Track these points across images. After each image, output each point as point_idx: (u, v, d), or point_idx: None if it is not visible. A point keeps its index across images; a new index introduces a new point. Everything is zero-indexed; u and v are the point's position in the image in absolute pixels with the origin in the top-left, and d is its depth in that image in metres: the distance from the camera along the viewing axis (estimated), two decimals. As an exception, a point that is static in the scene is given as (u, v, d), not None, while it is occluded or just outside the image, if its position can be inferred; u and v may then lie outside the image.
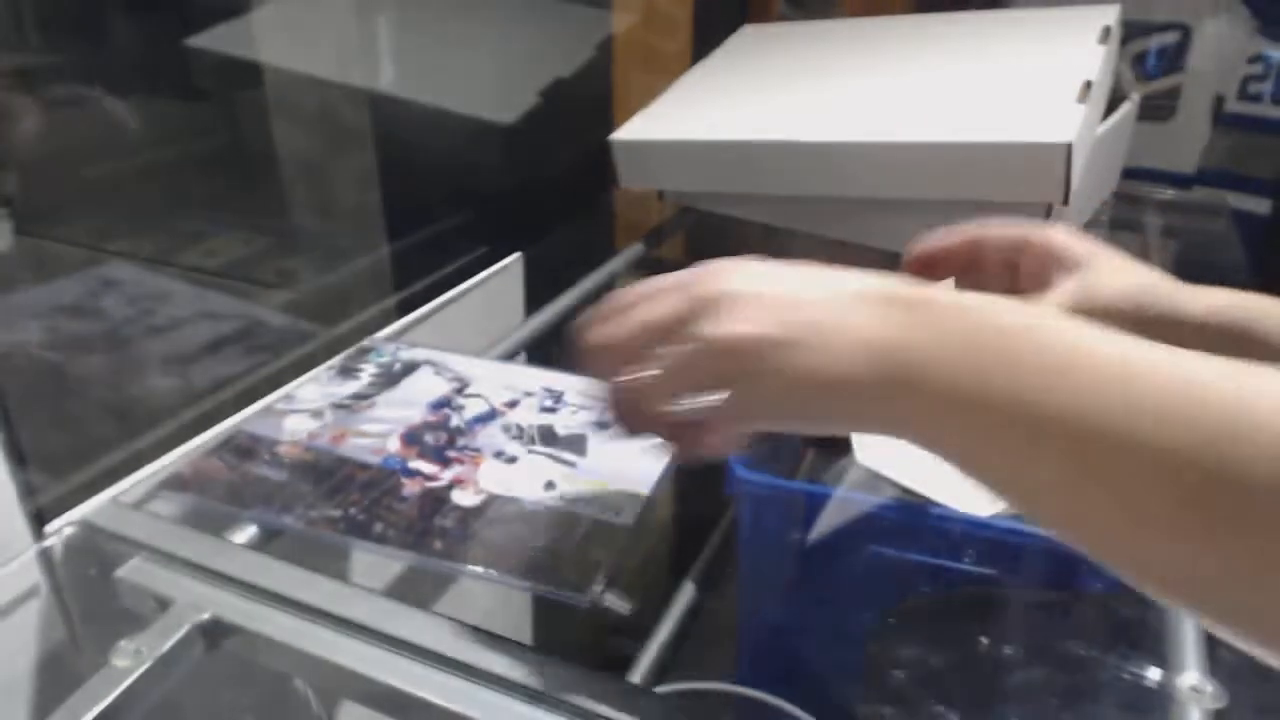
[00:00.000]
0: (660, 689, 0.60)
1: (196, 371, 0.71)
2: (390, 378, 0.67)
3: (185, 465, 0.56)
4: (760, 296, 0.33)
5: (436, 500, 0.54)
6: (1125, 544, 0.29)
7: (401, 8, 0.83)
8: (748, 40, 1.12)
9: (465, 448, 0.59)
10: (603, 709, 0.40)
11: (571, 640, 1.04)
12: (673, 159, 0.95)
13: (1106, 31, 0.88)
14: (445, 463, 0.57)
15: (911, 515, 0.82)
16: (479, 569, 0.49)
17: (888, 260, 0.94)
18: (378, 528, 0.51)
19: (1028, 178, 0.77)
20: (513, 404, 0.63)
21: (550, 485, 0.54)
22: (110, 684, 0.41)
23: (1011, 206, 0.82)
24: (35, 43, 0.63)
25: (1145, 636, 0.70)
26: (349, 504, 0.53)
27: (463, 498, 0.54)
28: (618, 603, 0.47)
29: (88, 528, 0.52)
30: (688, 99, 1.00)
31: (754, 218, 0.98)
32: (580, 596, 0.47)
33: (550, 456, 0.57)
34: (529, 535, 0.51)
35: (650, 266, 1.02)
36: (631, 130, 0.96)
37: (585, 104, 1.11)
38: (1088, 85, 0.80)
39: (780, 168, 0.88)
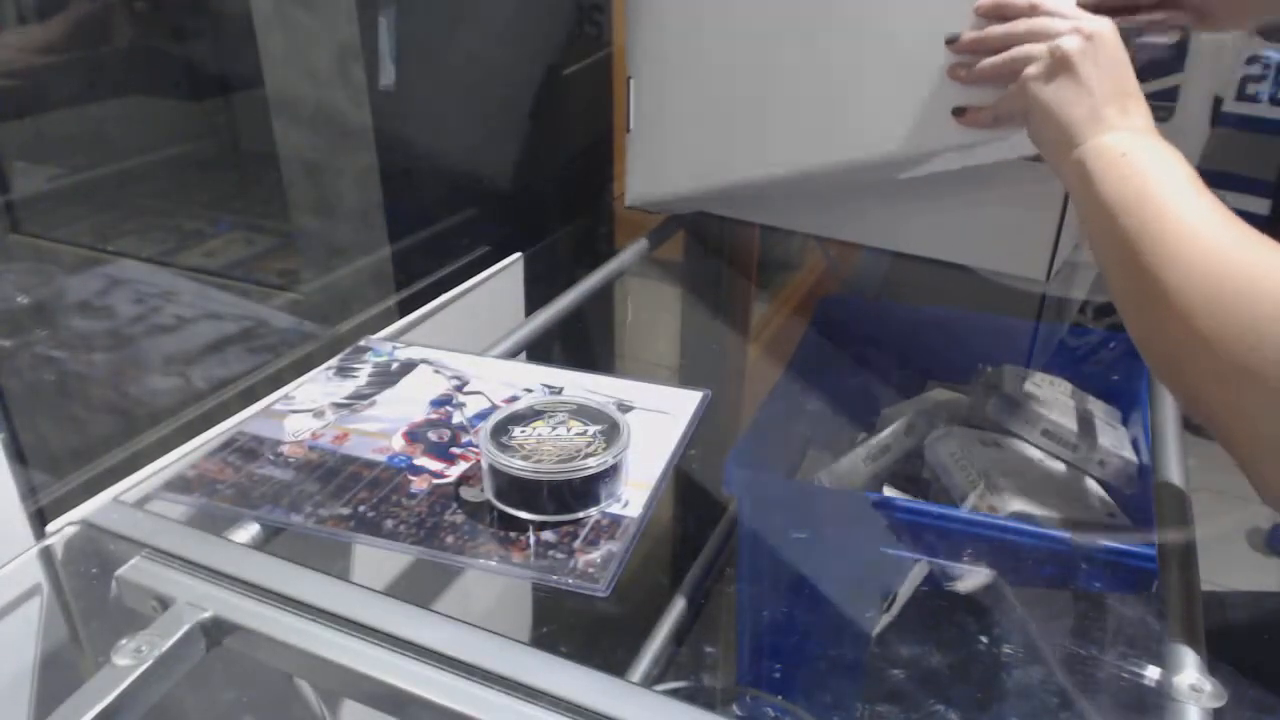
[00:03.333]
0: (660, 688, 0.60)
1: (197, 371, 0.71)
2: (388, 377, 0.67)
3: (188, 467, 0.56)
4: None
5: (445, 496, 0.54)
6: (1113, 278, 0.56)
7: (402, 7, 0.83)
8: None
9: (470, 444, 0.59)
10: (603, 709, 0.40)
11: (571, 639, 1.05)
12: (693, 201, 0.95)
13: None
14: (451, 459, 0.57)
15: (911, 515, 0.82)
16: (493, 562, 0.49)
17: (886, 259, 0.94)
18: (389, 524, 0.51)
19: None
20: (513, 400, 0.63)
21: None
22: (111, 683, 0.41)
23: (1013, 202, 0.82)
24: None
25: (1145, 636, 0.70)
26: (357, 502, 0.53)
27: (471, 493, 0.54)
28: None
29: (89, 527, 0.52)
30: (674, 119, 0.93)
31: (754, 219, 0.98)
32: (595, 587, 0.47)
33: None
34: (540, 528, 0.51)
35: (650, 266, 1.02)
36: (641, 190, 0.96)
37: (585, 104, 1.11)
38: None
39: (802, 184, 0.87)
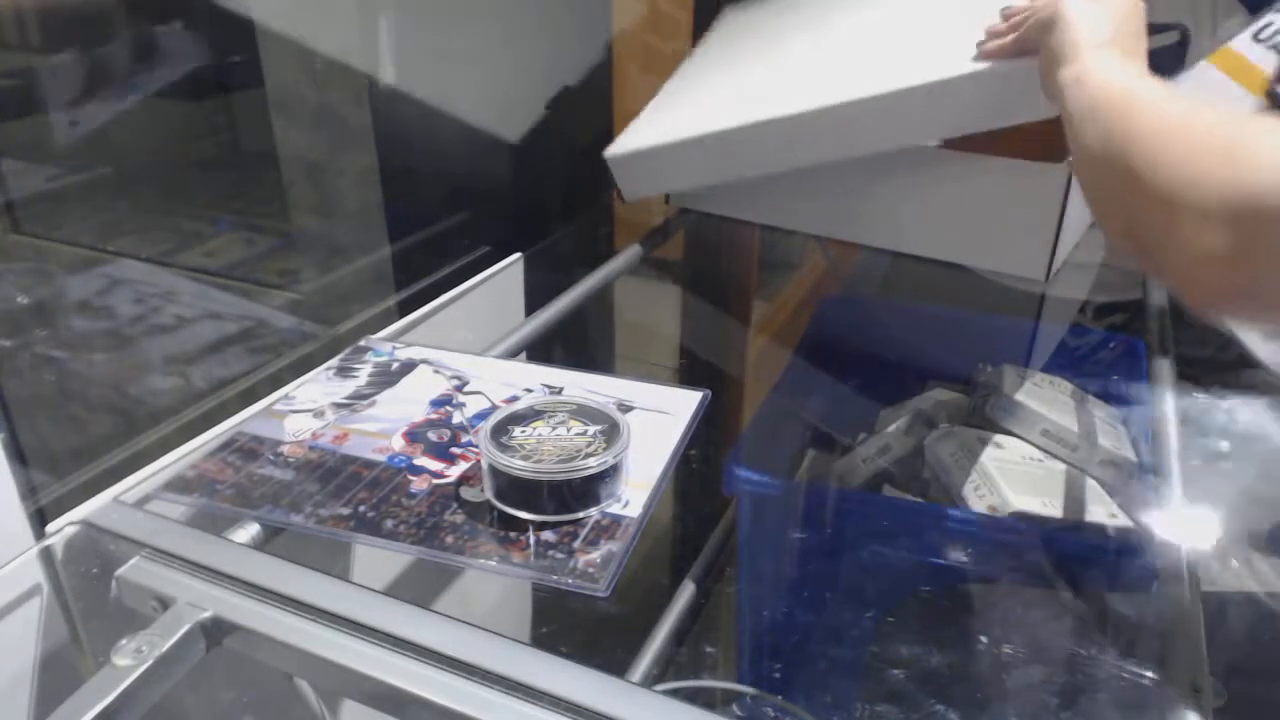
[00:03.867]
0: (660, 688, 0.60)
1: (197, 371, 0.71)
2: (389, 377, 0.67)
3: (188, 467, 0.56)
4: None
5: (445, 496, 0.54)
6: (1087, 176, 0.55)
7: (403, 8, 0.83)
8: (731, 23, 1.05)
9: (470, 444, 0.59)
10: (603, 708, 0.40)
11: (571, 639, 1.05)
12: (668, 162, 0.92)
13: None
14: (451, 459, 0.57)
15: (911, 515, 0.82)
16: (493, 562, 0.49)
17: (886, 259, 0.94)
18: (388, 524, 0.51)
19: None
20: (513, 400, 0.63)
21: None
22: (111, 683, 0.41)
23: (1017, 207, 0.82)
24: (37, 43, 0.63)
25: (1145, 636, 0.71)
26: (357, 502, 0.53)
27: (471, 493, 0.54)
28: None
29: (89, 527, 0.52)
30: (677, 99, 0.97)
31: (753, 219, 0.98)
32: (595, 587, 0.47)
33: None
34: (540, 528, 0.51)
35: (650, 266, 1.02)
36: (623, 143, 0.93)
37: (585, 104, 1.11)
38: None
39: (778, 143, 0.83)
